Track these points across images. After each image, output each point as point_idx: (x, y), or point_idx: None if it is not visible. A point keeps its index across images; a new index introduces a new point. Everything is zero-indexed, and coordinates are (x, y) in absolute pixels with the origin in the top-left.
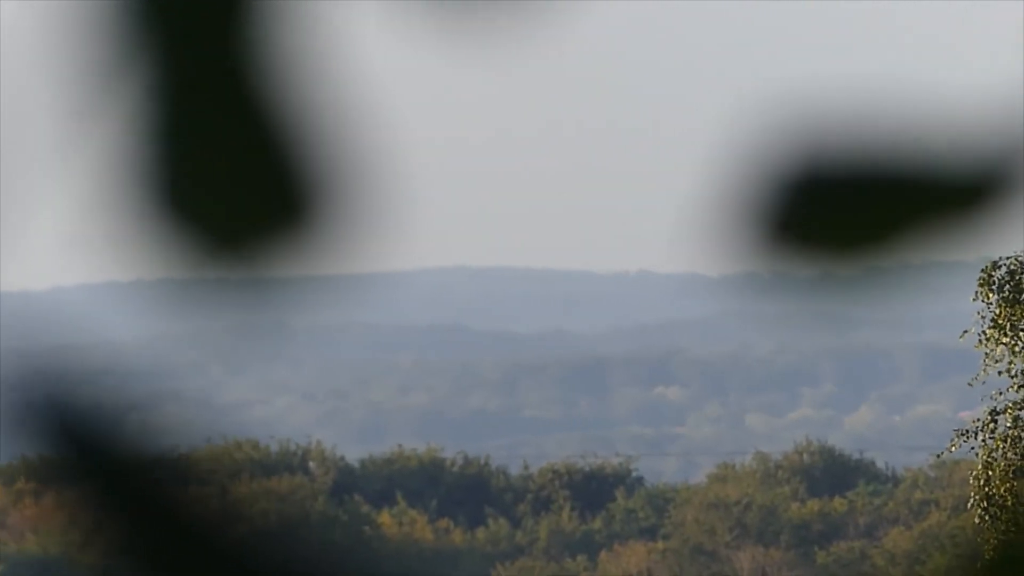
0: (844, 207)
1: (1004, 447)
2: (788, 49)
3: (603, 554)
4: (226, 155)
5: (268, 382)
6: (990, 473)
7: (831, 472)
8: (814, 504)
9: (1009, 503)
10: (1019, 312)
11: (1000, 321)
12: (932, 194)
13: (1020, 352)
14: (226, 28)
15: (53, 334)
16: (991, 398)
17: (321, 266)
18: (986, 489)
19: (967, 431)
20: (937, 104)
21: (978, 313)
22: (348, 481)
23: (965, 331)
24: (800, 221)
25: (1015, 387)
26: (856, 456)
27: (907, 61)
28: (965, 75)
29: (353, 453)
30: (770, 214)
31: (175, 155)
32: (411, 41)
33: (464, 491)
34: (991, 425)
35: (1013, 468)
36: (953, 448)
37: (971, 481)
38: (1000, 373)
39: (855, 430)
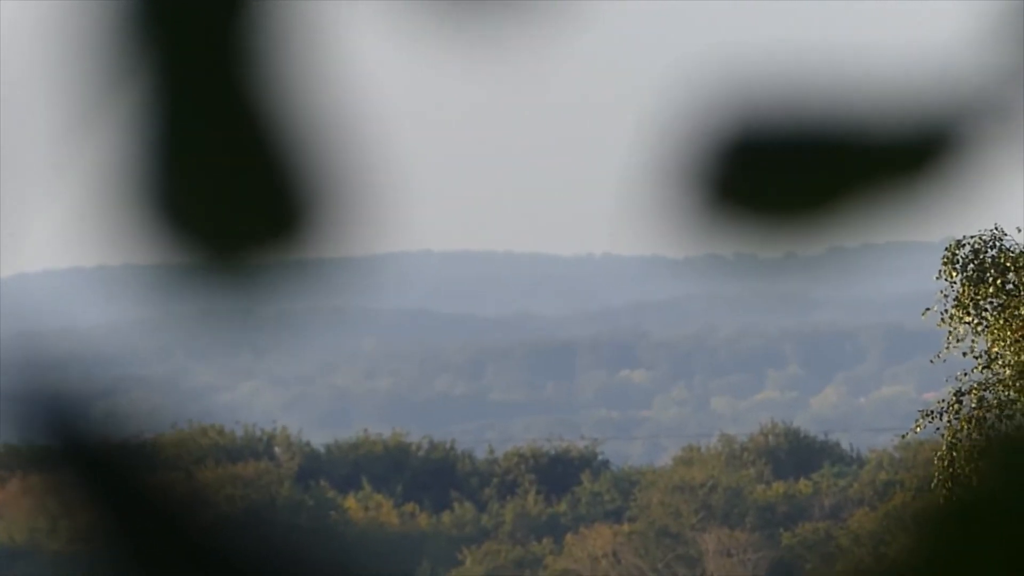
0: (783, 172)
1: (969, 427)
2: (725, 14)
3: (569, 537)
4: (222, 158)
5: (233, 367)
6: (954, 454)
7: (796, 454)
8: (779, 486)
9: (974, 483)
10: (982, 291)
11: (963, 300)
12: (873, 157)
13: (983, 332)
14: (224, 29)
15: (18, 319)
16: (955, 379)
17: (312, 252)
18: (950, 470)
19: (932, 412)
20: (880, 65)
21: (941, 292)
22: (314, 466)
23: (927, 309)
24: (738, 186)
25: (979, 367)
26: (821, 438)
27: (849, 22)
28: (910, 35)
29: (318, 438)
30: (709, 181)
31: (171, 159)
32: (403, 41)
33: (430, 475)
34: (956, 406)
35: (978, 448)
36: (918, 429)
37: (935, 462)
38: (964, 354)
39: (820, 412)
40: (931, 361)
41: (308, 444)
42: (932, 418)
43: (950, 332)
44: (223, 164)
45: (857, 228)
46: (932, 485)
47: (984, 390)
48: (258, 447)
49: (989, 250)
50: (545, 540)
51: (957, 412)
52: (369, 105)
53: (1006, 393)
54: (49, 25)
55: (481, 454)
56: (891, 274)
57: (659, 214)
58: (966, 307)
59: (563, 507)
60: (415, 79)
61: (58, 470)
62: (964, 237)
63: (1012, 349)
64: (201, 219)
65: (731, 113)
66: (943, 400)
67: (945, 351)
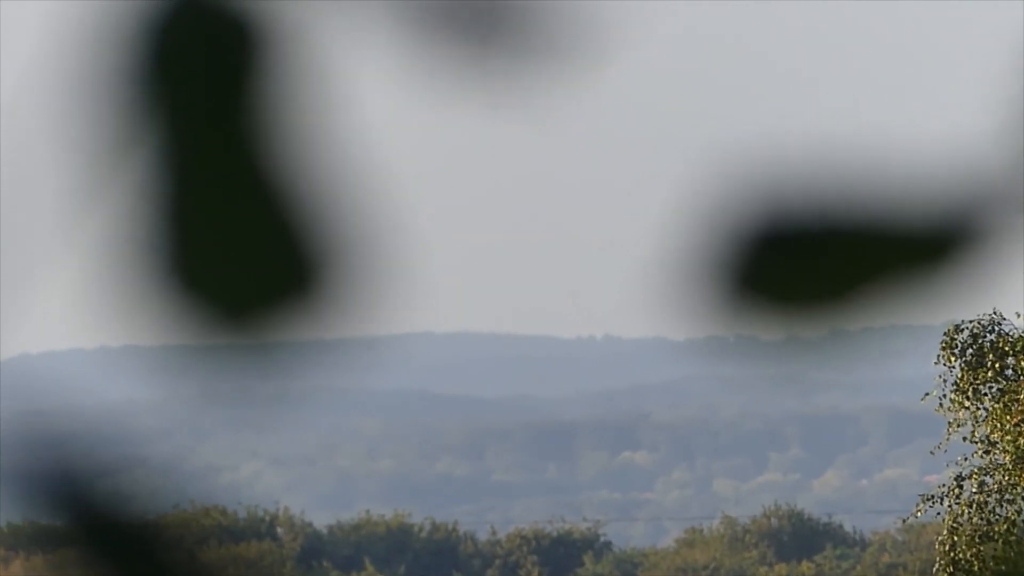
0: (808, 263)
1: (970, 512)
2: (748, 105)
3: None
4: (232, 224)
5: (236, 447)
6: (956, 538)
7: (799, 536)
8: (782, 568)
9: (975, 568)
10: (981, 376)
11: (962, 385)
12: (897, 250)
13: (984, 420)
14: (235, 93)
15: (20, 399)
16: (956, 463)
17: (317, 332)
18: (952, 554)
19: (932, 496)
20: (902, 157)
21: (939, 376)
22: (316, 547)
23: (926, 394)
24: (763, 278)
25: (979, 452)
26: (824, 520)
27: (870, 113)
28: (930, 126)
29: (321, 519)
30: (732, 272)
31: (180, 224)
32: (416, 95)
33: (432, 556)
34: (956, 490)
35: (979, 533)
36: (919, 514)
37: (937, 546)
38: (964, 439)
39: (822, 494)
40: (931, 453)
41: (310, 525)
42: (933, 502)
43: (950, 422)
44: (234, 233)
45: (872, 315)
46: (935, 570)
47: (984, 475)
48: (261, 528)
49: (988, 334)
50: None
51: (958, 496)
52: (380, 171)
53: (1006, 478)
54: (57, 85)
55: (483, 535)
56: (893, 357)
57: (676, 299)
58: (965, 392)
59: None
60: (419, 145)
61: (62, 550)
62: (963, 322)
63: (1011, 435)
64: (211, 289)
65: (755, 203)
66: (944, 485)
67: (946, 440)
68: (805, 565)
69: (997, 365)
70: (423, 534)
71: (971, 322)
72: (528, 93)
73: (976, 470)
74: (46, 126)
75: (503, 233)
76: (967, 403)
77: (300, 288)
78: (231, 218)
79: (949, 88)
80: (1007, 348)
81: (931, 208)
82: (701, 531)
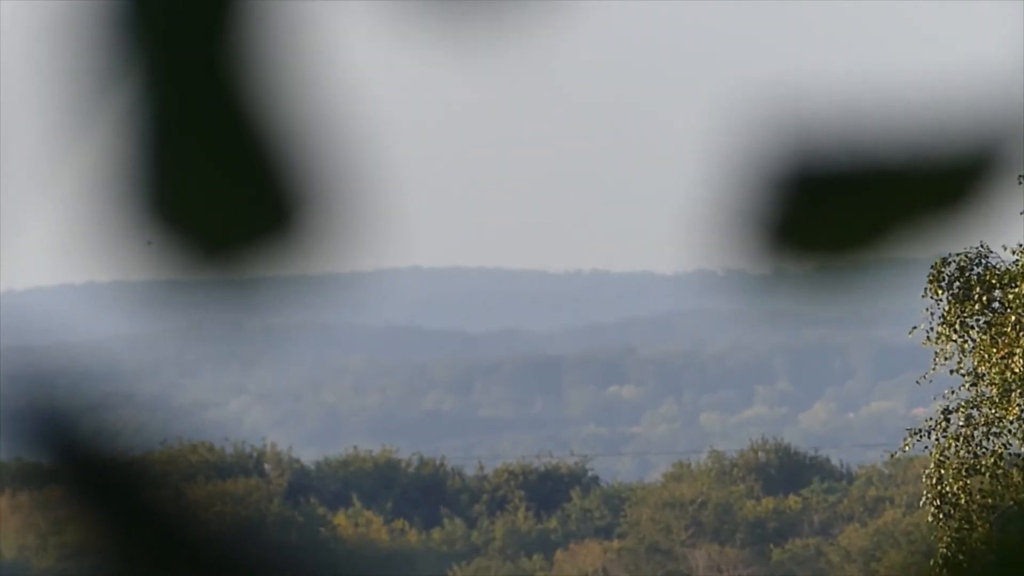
0: (837, 204)
1: (956, 445)
2: (772, 46)
3: (559, 553)
4: (214, 159)
5: (222, 383)
6: (943, 471)
7: (786, 470)
8: (769, 502)
9: (962, 501)
10: (968, 309)
11: (949, 318)
12: (924, 187)
13: (970, 351)
14: (214, 33)
15: (8, 336)
16: (943, 396)
17: (303, 267)
18: (939, 487)
19: (920, 430)
20: (924, 94)
21: (927, 310)
22: (303, 483)
23: (914, 327)
24: (794, 219)
25: (966, 385)
26: (811, 454)
27: (892, 52)
28: (951, 62)
29: (308, 455)
30: (763, 212)
31: (163, 160)
32: (396, 42)
33: (419, 492)
34: (943, 424)
35: (965, 466)
36: (907, 448)
37: (924, 480)
38: (951, 372)
39: (810, 428)
40: (917, 383)
41: (297, 461)
42: (920, 437)
43: (937, 352)
44: (215, 169)
45: (890, 251)
46: (921, 503)
47: (971, 408)
48: (248, 464)
49: (975, 268)
50: (535, 556)
51: (945, 430)
52: (360, 111)
53: (993, 411)
54: (37, 30)
55: (471, 471)
56: (883, 290)
57: (700, 239)
58: (952, 325)
59: (553, 523)
60: (406, 83)
61: (49, 487)
62: (950, 255)
63: (998, 367)
64: (192, 225)
65: (785, 146)
66: (931, 418)
67: (932, 371)
68: (792, 499)
69: (984, 298)
70: (410, 470)
71: (958, 255)
72: (521, 28)
73: (963, 403)
74: (31, 64)
75: (493, 168)
76: (954, 336)
77: (283, 223)
78: (213, 155)
79: (969, 25)
80: (994, 281)
81: (955, 144)
82: (688, 465)
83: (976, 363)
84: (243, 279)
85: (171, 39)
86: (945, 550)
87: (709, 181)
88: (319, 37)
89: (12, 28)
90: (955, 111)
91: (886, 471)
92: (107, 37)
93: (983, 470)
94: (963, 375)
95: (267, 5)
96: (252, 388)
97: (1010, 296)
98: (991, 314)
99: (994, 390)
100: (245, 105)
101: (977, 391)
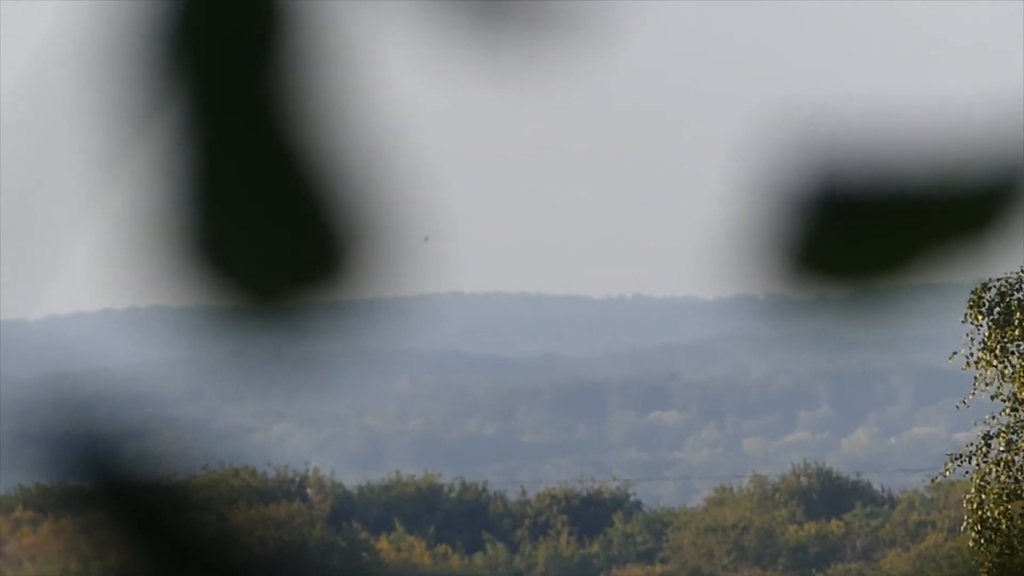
0: (862, 228)
1: (997, 470)
2: (799, 68)
3: None
4: (258, 195)
5: (265, 409)
6: (983, 496)
7: (828, 494)
8: (811, 527)
9: (1003, 526)
10: (1009, 335)
11: (990, 344)
12: (950, 212)
13: (1010, 376)
14: (258, 67)
15: (50, 361)
16: (984, 422)
17: (346, 294)
18: (980, 512)
19: (960, 456)
20: (950, 118)
21: (967, 335)
22: (346, 507)
23: (954, 353)
24: (818, 243)
25: (1007, 410)
26: (853, 478)
27: (919, 75)
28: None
29: (350, 479)
30: (787, 236)
31: (205, 196)
32: (440, 71)
33: (462, 517)
34: (984, 449)
35: (1006, 491)
36: (947, 472)
37: (965, 504)
38: (992, 397)
39: (852, 452)
40: (957, 407)
41: (340, 485)
42: (961, 462)
43: (977, 377)
44: (258, 201)
45: (920, 276)
46: (962, 528)
47: (1012, 433)
48: (290, 488)
49: (1015, 293)
50: None
51: (985, 455)
52: (404, 138)
53: None
54: (84, 58)
55: (513, 495)
56: (924, 314)
57: (727, 264)
58: (992, 351)
59: (595, 548)
60: (449, 108)
61: (90, 512)
62: (990, 280)
63: None
64: (235, 257)
65: (810, 169)
66: (972, 444)
67: (971, 396)
68: (834, 523)
69: None
70: (453, 494)
71: (998, 280)
72: (556, 55)
73: (1004, 428)
74: (74, 93)
75: (535, 194)
76: (994, 361)
77: (323, 252)
78: (256, 185)
79: (996, 44)
80: None
81: (980, 170)
82: (730, 490)
83: (1016, 388)
84: (286, 306)
85: (215, 68)
86: (986, 575)
87: (737, 204)
88: (363, 62)
89: (54, 52)
90: (984, 134)
91: (928, 496)
92: (150, 65)
93: (1023, 495)
94: (1003, 400)
95: (313, 36)
96: (295, 413)
97: None
98: None
99: None
100: (289, 133)
101: (1017, 416)
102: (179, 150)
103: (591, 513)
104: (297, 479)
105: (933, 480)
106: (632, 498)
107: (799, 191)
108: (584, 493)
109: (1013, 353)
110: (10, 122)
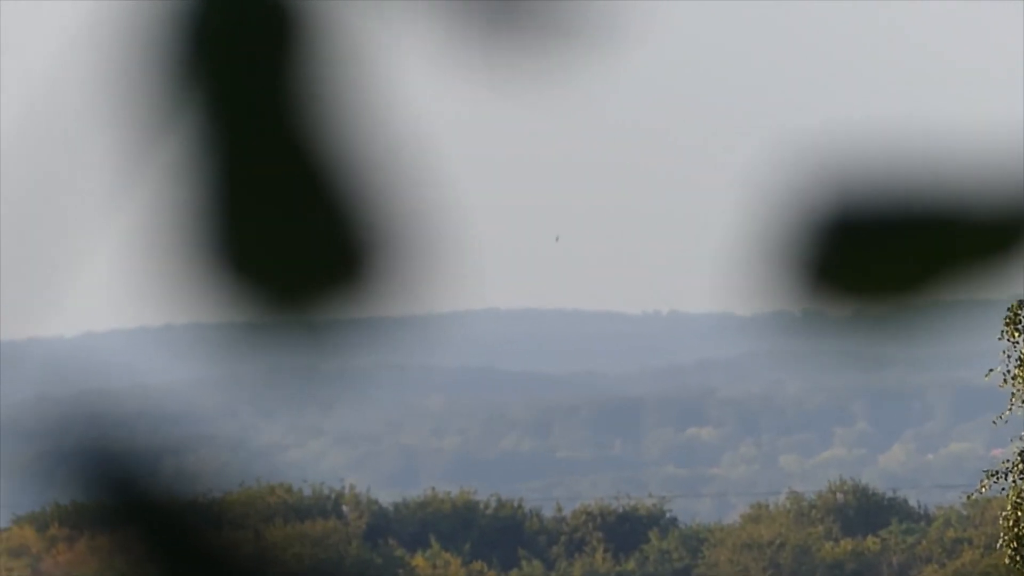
0: (879, 249)
1: None
2: (818, 92)
3: None
4: (283, 201)
5: (300, 426)
6: (1020, 513)
7: (864, 511)
8: (848, 543)
9: None
10: None
11: None
12: (968, 234)
13: None
14: (279, 73)
15: (86, 379)
16: (1021, 438)
17: (379, 310)
18: (1015, 529)
19: (997, 472)
20: (969, 140)
21: (1004, 352)
22: (382, 524)
23: (991, 370)
24: (835, 264)
25: None
26: (889, 495)
27: (936, 97)
28: (997, 109)
29: (386, 496)
30: (805, 256)
31: (230, 209)
32: (460, 82)
33: (498, 533)
34: (1020, 465)
35: None
36: (983, 489)
37: (1001, 521)
38: None
39: (888, 469)
40: (994, 423)
41: (376, 502)
42: (997, 478)
43: (1014, 393)
44: (286, 215)
45: (940, 297)
46: (998, 545)
47: None
48: (326, 505)
49: None
50: None
51: (1021, 472)
52: (436, 152)
53: None
54: (102, 66)
55: (549, 512)
56: (960, 331)
57: (751, 281)
58: None
59: (632, 565)
60: (482, 125)
61: (126, 529)
62: None
63: None
64: (265, 272)
65: (829, 189)
66: (1008, 460)
67: (1008, 412)
68: (870, 540)
69: None
70: (489, 511)
71: None
72: (576, 71)
73: None
74: (90, 104)
75: (571, 209)
76: None
77: (352, 267)
78: (280, 197)
79: (1011, 73)
80: None
81: (1000, 190)
82: (767, 507)
83: None
84: (320, 322)
85: (233, 77)
86: None
87: (753, 224)
88: (386, 73)
89: (71, 62)
90: (1001, 156)
91: (964, 512)
92: (168, 75)
93: None
94: None
95: (333, 43)
96: (330, 430)
97: None
98: None
99: None
100: (314, 143)
101: None
102: (200, 158)
103: (627, 530)
104: (333, 496)
105: (969, 497)
106: (668, 514)
107: (815, 211)
108: (620, 510)
109: None
110: (30, 134)
